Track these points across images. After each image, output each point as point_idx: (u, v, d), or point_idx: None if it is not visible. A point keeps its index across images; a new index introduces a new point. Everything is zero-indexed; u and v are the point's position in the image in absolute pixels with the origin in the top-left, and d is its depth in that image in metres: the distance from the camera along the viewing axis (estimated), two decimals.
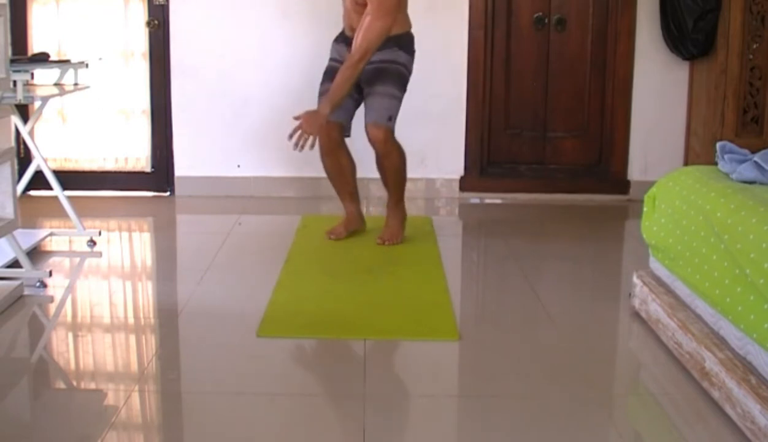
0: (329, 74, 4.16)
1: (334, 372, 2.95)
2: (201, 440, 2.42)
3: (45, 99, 4.12)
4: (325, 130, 4.07)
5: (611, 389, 2.84)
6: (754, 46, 4.80)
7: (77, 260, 4.11)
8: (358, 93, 4.16)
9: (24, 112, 4.79)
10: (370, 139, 4.10)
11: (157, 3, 5.22)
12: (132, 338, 3.25)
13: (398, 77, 4.09)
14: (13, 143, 4.94)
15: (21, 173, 4.35)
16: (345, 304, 3.45)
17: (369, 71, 4.06)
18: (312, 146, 4.00)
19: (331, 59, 4.25)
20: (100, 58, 5.14)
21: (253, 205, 5.17)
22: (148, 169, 5.41)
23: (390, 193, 4.30)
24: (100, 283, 3.83)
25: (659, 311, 3.04)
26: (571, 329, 3.25)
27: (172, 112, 5.29)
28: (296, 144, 3.98)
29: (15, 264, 3.64)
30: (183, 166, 5.35)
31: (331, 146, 4.17)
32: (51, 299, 3.53)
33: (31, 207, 4.82)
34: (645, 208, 3.30)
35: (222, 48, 5.24)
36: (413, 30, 4.23)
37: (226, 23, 5.22)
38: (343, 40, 4.21)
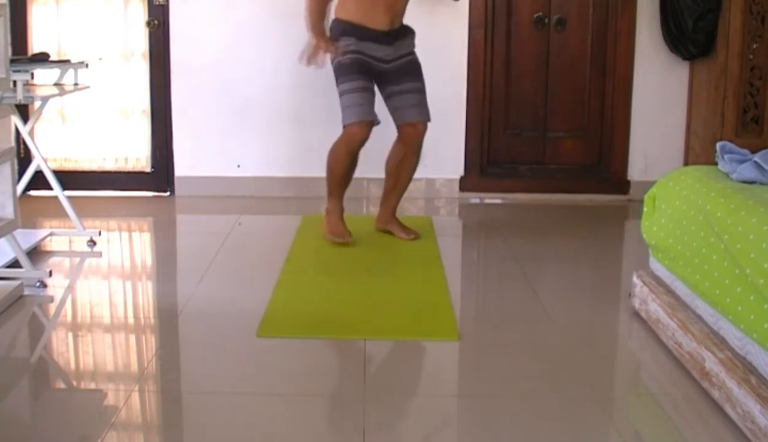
0: (358, 68, 4.04)
1: (334, 372, 2.95)
2: (201, 440, 2.42)
3: (45, 99, 4.12)
4: (365, 129, 4.02)
5: (611, 389, 2.84)
6: (754, 46, 4.80)
7: (77, 260, 4.11)
8: (378, 85, 4.14)
9: (24, 112, 4.79)
10: (414, 135, 4.19)
11: (157, 3, 5.22)
12: (132, 338, 3.25)
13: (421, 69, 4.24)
14: (13, 143, 4.94)
15: (21, 173, 4.36)
16: (345, 304, 3.45)
17: (403, 65, 4.13)
18: (325, 54, 4.05)
19: (359, 52, 4.04)
20: (100, 58, 5.14)
21: (253, 205, 5.17)
22: (148, 169, 5.41)
23: (401, 193, 4.38)
24: (100, 283, 3.83)
25: (659, 311, 3.04)
26: (571, 329, 3.25)
27: (172, 112, 5.29)
28: (309, 59, 4.04)
29: (15, 264, 3.64)
30: (183, 166, 5.35)
31: (361, 145, 4.10)
32: (51, 299, 3.53)
33: (31, 207, 4.82)
34: (645, 209, 3.30)
35: (222, 48, 5.24)
36: (414, 29, 4.27)
37: (226, 23, 5.22)
38: (381, 40, 4.07)
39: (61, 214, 4.26)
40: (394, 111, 4.20)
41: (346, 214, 4.28)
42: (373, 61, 4.07)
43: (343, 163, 4.14)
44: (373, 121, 4.06)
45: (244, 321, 3.21)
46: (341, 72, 4.06)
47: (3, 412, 2.59)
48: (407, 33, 4.19)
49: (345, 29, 4.06)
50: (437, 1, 5.08)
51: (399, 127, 4.22)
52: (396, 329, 3.21)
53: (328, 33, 4.10)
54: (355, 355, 2.99)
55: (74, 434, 2.43)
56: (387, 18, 4.05)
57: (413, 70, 4.19)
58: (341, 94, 4.07)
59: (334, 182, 4.20)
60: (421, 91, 4.20)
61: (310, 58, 4.04)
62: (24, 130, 4.17)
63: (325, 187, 4.26)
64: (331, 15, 4.14)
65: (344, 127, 4.07)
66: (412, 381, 2.89)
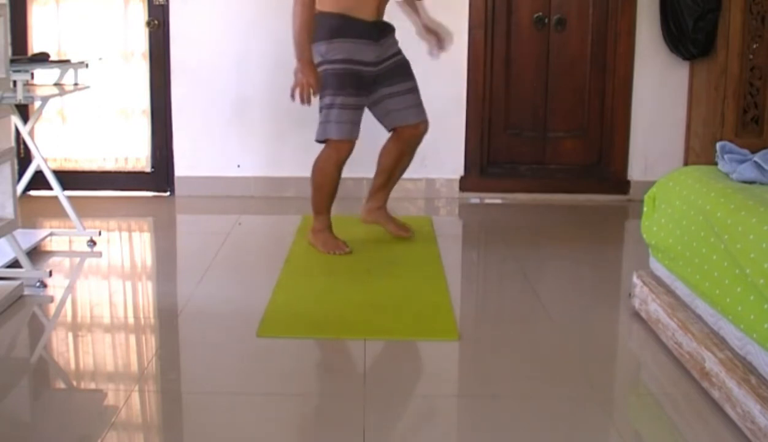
0: (351, 82, 3.88)
1: (334, 372, 2.95)
2: (201, 440, 2.42)
3: (45, 99, 4.12)
4: (353, 145, 3.94)
5: (611, 389, 2.84)
6: (754, 46, 4.81)
7: (77, 260, 4.11)
8: (367, 97, 3.99)
9: (24, 112, 4.79)
10: (416, 135, 4.12)
11: (157, 3, 5.22)
12: (132, 338, 3.25)
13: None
14: (13, 143, 4.94)
15: (21, 173, 4.35)
16: (345, 304, 3.45)
17: (393, 66, 4.01)
18: (314, 94, 3.81)
19: (349, 61, 3.88)
20: (100, 58, 5.14)
21: (253, 206, 5.17)
22: (148, 169, 5.41)
23: (392, 188, 4.32)
24: (100, 283, 3.83)
25: (659, 311, 3.04)
26: (571, 329, 3.25)
27: (172, 112, 5.29)
28: (302, 98, 3.80)
29: (15, 264, 3.64)
30: (183, 166, 5.35)
31: (346, 161, 4.00)
32: (51, 299, 3.53)
33: (31, 207, 4.82)
34: (645, 208, 3.30)
35: (222, 48, 5.24)
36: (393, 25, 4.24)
37: (226, 23, 5.22)
38: (369, 35, 3.89)
39: (61, 214, 4.26)
40: (388, 113, 4.07)
41: (343, 214, 4.25)
42: (363, 67, 3.90)
43: (333, 178, 4.00)
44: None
45: (244, 321, 3.21)
46: (332, 83, 3.86)
47: (3, 412, 2.59)
48: (391, 29, 4.06)
49: (333, 25, 3.85)
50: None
51: (396, 129, 4.12)
52: (396, 329, 3.21)
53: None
54: (355, 355, 3.00)
55: (74, 434, 2.43)
56: (374, 4, 3.90)
57: (405, 71, 4.07)
58: (330, 105, 3.88)
59: (324, 199, 4.06)
60: (416, 90, 4.09)
61: (302, 95, 3.80)
62: (24, 130, 4.17)
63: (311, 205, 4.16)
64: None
65: (329, 141, 3.92)
66: (412, 381, 2.89)
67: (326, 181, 4.01)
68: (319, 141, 3.96)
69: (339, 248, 4.05)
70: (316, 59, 3.86)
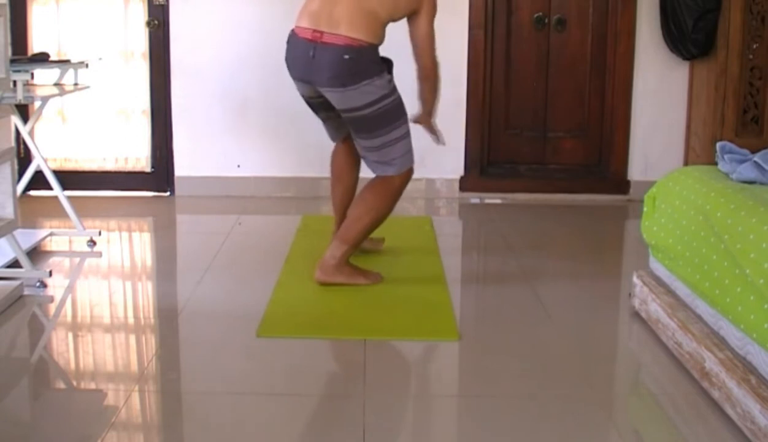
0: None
1: (334, 372, 2.95)
2: (201, 440, 2.42)
3: (45, 99, 4.12)
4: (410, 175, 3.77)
5: (611, 389, 2.84)
6: (754, 46, 4.81)
7: (77, 260, 4.11)
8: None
9: (24, 112, 4.79)
10: None
11: (157, 3, 5.22)
12: (132, 338, 3.25)
13: None
14: (13, 143, 4.94)
15: (21, 173, 4.35)
16: (345, 304, 3.45)
17: None
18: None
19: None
20: (100, 58, 5.14)
21: (253, 205, 5.17)
22: (148, 169, 5.41)
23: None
24: (100, 283, 3.83)
25: (659, 311, 3.04)
26: (571, 329, 3.25)
27: (172, 112, 5.30)
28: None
29: (15, 264, 3.64)
30: (183, 166, 5.35)
31: None
32: (51, 299, 3.53)
33: (31, 207, 4.82)
34: (645, 208, 3.30)
35: (222, 48, 5.24)
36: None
37: (226, 23, 5.22)
38: None
39: (61, 214, 4.26)
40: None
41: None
42: None
43: (394, 207, 3.78)
44: None
45: (244, 321, 3.21)
46: (402, 112, 3.68)
47: (3, 412, 2.59)
48: None
49: (379, 56, 3.63)
50: None
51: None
52: (396, 329, 3.21)
53: (350, 60, 3.51)
54: (355, 355, 2.99)
55: (74, 434, 2.43)
56: None
57: None
58: (401, 137, 3.66)
59: (375, 228, 3.76)
60: None
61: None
62: (24, 130, 4.17)
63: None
64: (339, 30, 3.57)
65: (400, 172, 3.68)
66: (412, 381, 2.89)
67: (390, 210, 3.76)
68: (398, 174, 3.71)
69: (377, 277, 3.73)
70: (379, 93, 3.56)
